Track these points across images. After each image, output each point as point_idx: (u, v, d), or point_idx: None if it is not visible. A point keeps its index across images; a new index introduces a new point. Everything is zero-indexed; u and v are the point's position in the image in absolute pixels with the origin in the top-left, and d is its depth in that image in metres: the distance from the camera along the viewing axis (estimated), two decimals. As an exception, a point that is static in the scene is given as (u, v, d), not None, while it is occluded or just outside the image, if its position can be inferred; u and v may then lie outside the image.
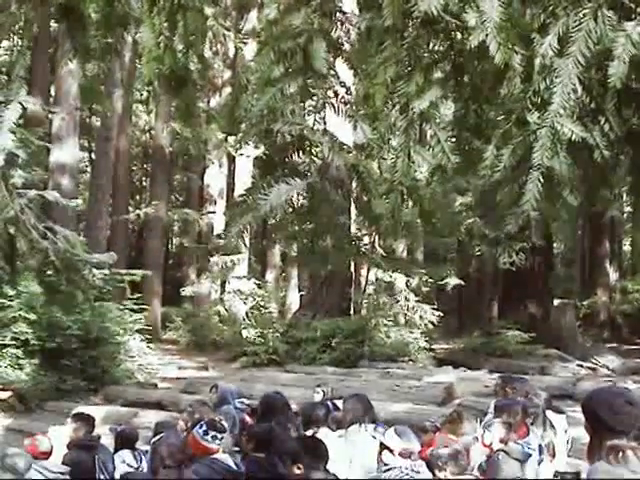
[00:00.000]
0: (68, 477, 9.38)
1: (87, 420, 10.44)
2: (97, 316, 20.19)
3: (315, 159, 7.15)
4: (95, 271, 13.01)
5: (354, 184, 7.51)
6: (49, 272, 11.82)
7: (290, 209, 7.32)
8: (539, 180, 4.72)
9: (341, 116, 7.24)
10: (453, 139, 5.75)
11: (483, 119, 5.65)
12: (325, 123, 7.25)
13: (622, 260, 45.86)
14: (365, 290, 30.31)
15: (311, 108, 7.16)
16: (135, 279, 22.29)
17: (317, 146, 7.24)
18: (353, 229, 10.71)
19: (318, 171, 7.09)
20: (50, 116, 28.53)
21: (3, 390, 17.89)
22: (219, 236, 25.72)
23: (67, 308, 18.68)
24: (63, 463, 9.62)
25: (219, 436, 8.59)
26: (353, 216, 9.88)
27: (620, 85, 4.66)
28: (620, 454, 4.49)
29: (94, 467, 9.69)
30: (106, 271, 16.42)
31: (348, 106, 7.10)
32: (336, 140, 7.21)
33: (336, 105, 7.11)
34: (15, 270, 17.99)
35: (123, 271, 20.17)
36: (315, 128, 7.14)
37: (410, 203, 6.02)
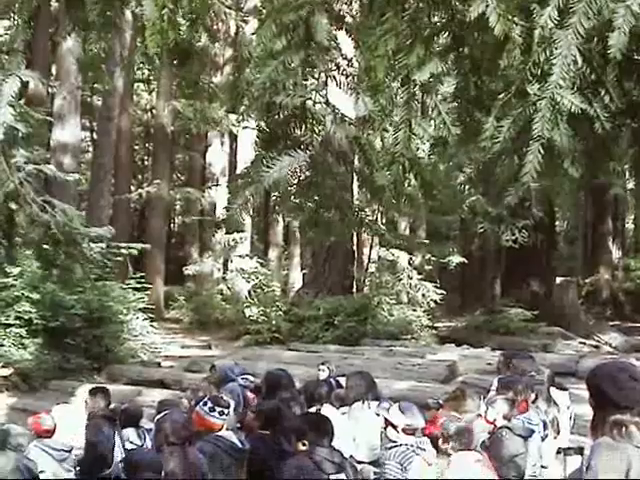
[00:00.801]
0: (72, 454, 9.41)
1: (105, 393, 10.50)
2: (100, 295, 20.18)
3: (317, 132, 7.13)
4: (93, 245, 13.00)
5: (356, 156, 7.49)
6: (47, 246, 11.84)
7: (293, 182, 7.30)
8: (539, 151, 4.68)
9: (343, 89, 7.21)
10: (454, 111, 5.71)
11: (483, 91, 5.62)
12: (327, 96, 7.22)
13: (625, 238, 45.78)
14: (368, 268, 30.30)
15: (313, 81, 7.12)
16: (134, 253, 22.24)
17: (319, 119, 7.21)
18: (356, 201, 10.68)
19: (320, 144, 7.07)
20: (51, 95, 28.51)
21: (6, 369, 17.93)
22: (224, 209, 25.68)
23: (66, 282, 18.67)
24: (85, 434, 9.65)
25: (224, 412, 8.60)
26: (356, 188, 9.85)
27: (620, 56, 4.61)
28: (624, 429, 4.47)
29: (113, 439, 9.72)
30: (104, 245, 16.42)
31: (350, 79, 7.07)
32: (338, 113, 7.19)
33: (338, 78, 7.08)
34: (13, 244, 17.97)
35: (122, 244, 20.13)
36: (317, 101, 7.11)
37: (411, 175, 6.00)
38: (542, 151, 4.68)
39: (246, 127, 30.36)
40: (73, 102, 26.45)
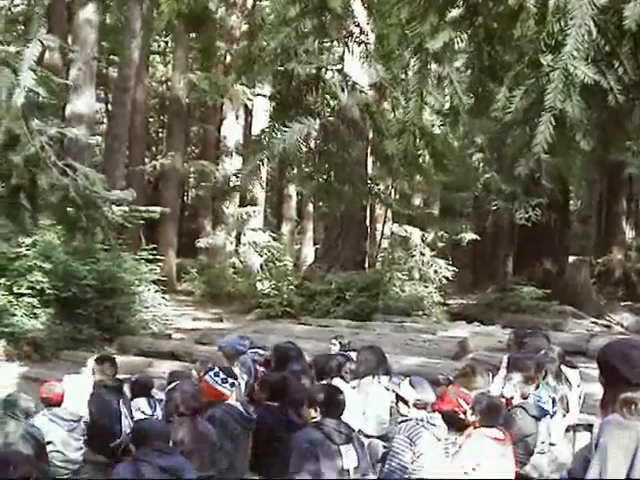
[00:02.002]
0: (81, 423, 9.44)
1: (112, 362, 10.51)
2: (112, 266, 20.20)
3: (329, 99, 7.10)
4: (115, 208, 13.00)
5: (367, 124, 7.45)
6: (69, 209, 11.81)
7: (304, 150, 7.28)
8: (551, 123, 4.63)
9: (355, 56, 7.16)
10: (466, 81, 5.66)
11: (496, 61, 5.56)
12: (339, 64, 7.19)
13: (639, 218, 45.56)
14: (380, 244, 30.28)
15: (326, 48, 7.09)
16: (154, 217, 22.19)
17: (331, 86, 7.18)
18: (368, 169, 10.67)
19: (332, 111, 7.04)
20: (67, 66, 28.46)
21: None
22: (235, 175, 25.62)
23: (79, 251, 18.71)
24: (90, 403, 9.68)
25: (232, 381, 8.62)
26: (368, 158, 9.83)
27: (636, 28, 4.56)
28: (634, 407, 4.44)
29: (119, 409, 9.75)
30: (126, 208, 16.41)
31: (363, 47, 7.02)
32: (350, 80, 7.16)
33: (351, 45, 7.03)
34: (37, 208, 17.91)
35: (142, 208, 20.08)
36: (329, 68, 7.07)
37: (422, 144, 5.97)
38: (554, 122, 4.63)
39: (258, 94, 30.33)
40: (89, 73, 26.38)
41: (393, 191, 23.98)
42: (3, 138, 8.91)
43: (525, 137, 5.07)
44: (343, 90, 6.77)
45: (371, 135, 7.61)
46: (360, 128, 7.41)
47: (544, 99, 4.69)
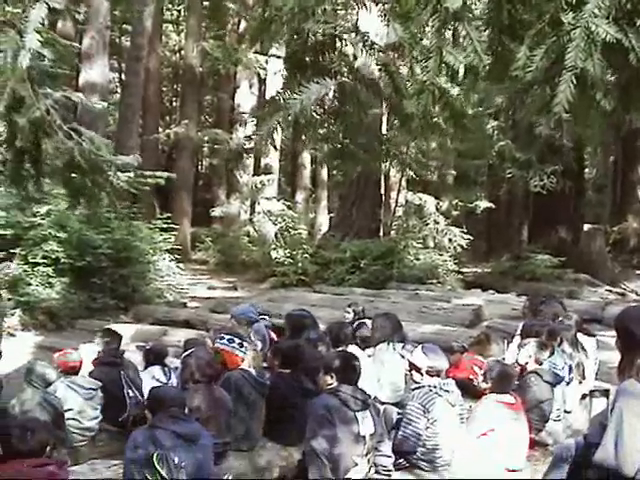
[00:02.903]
0: (99, 392, 9.48)
1: (113, 336, 10.51)
2: (127, 235, 20.20)
3: (346, 59, 7.06)
4: (120, 174, 12.96)
5: (385, 84, 7.40)
6: (73, 174, 11.78)
7: (321, 109, 7.24)
8: (572, 82, 4.57)
9: (373, 15, 7.09)
10: (485, 40, 5.59)
11: (516, 19, 5.48)
12: (357, 22, 7.15)
13: (655, 186, 45.35)
14: (395, 212, 30.19)
15: (343, 7, 7.06)
16: (161, 183, 22.15)
17: (348, 46, 7.14)
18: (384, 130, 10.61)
19: (349, 71, 6.99)
20: (79, 35, 28.39)
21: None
22: (249, 136, 25.49)
23: (93, 220, 18.69)
24: (91, 376, 9.72)
25: (242, 343, 8.64)
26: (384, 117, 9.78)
27: (659, -15, 4.49)
28: (650, 372, 4.43)
29: (120, 382, 9.77)
30: (131, 174, 16.33)
31: (380, 5, 6.95)
32: (368, 39, 7.10)
33: (368, 4, 6.97)
34: (40, 173, 17.80)
35: (148, 173, 20.03)
36: (346, 27, 7.01)
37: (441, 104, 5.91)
38: (574, 82, 4.57)
39: (273, 56, 30.18)
40: (101, 42, 26.27)
41: (410, 154, 23.89)
42: (8, 100, 8.87)
43: (545, 97, 5.02)
44: (361, 50, 6.71)
45: (389, 94, 7.55)
46: (378, 88, 7.35)
47: (565, 58, 4.63)
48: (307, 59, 7.26)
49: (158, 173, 21.85)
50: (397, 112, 7.62)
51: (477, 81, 5.76)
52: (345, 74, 6.90)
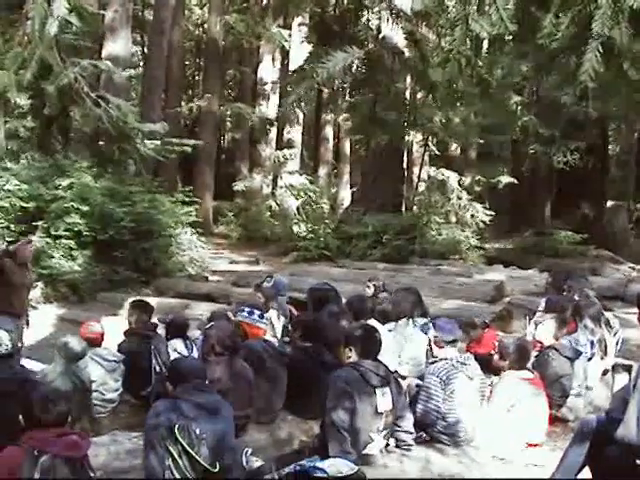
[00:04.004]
0: (122, 365, 9.51)
1: (145, 308, 10.52)
2: (149, 208, 20.20)
3: (373, 27, 7.05)
4: (147, 141, 12.94)
5: (411, 52, 7.39)
6: (101, 142, 11.81)
7: (348, 78, 7.25)
8: (598, 50, 4.52)
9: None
10: (511, 7, 5.53)
11: (543, -14, 5.43)
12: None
13: (678, 163, 45.01)
14: (417, 187, 30.14)
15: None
16: (187, 151, 22.10)
17: (375, 13, 7.13)
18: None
19: (376, 39, 6.98)
20: (102, 8, 28.32)
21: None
22: (278, 105, 25.38)
23: (114, 195, 18.73)
24: (119, 350, 9.74)
25: (262, 314, 8.66)
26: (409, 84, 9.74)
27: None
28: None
29: (149, 354, 9.78)
30: (158, 142, 16.27)
31: (406, -27, 6.94)
32: (394, 7, 7.08)
33: (394, -28, 6.95)
34: (68, 139, 17.88)
35: (175, 140, 19.99)
36: (374, -5, 7.01)
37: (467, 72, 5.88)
38: (601, 50, 4.53)
39: (301, 24, 30.10)
40: (124, 15, 26.17)
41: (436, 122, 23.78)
42: (36, 67, 8.89)
43: (571, 66, 4.98)
44: (387, 19, 6.71)
45: (415, 62, 7.55)
46: (404, 56, 7.35)
47: (591, 26, 4.58)
48: (334, 28, 7.26)
49: (185, 141, 21.80)
50: (423, 81, 7.61)
51: (503, 49, 5.73)
52: (371, 43, 6.89)
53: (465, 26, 5.22)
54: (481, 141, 32.74)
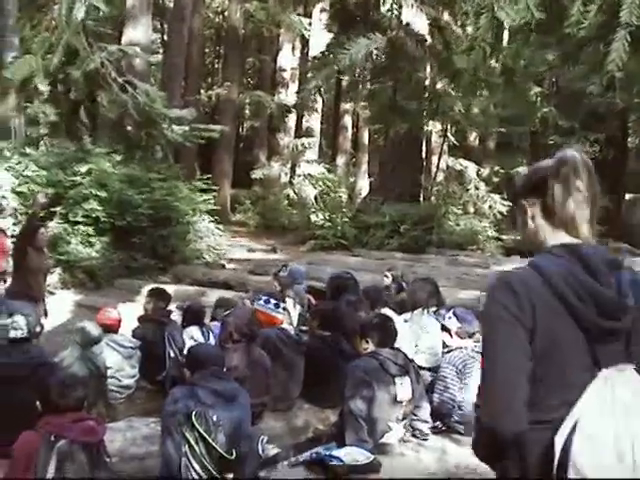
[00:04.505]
0: (138, 351, 9.53)
1: (162, 296, 10.57)
2: (167, 195, 20.21)
3: (396, 13, 7.02)
4: (175, 127, 12.94)
5: (435, 39, 7.37)
6: (128, 127, 11.80)
7: (370, 64, 7.23)
8: (626, 39, 4.49)
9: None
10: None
11: (570, -27, 5.40)
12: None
13: (698, 155, 44.79)
14: (436, 177, 30.05)
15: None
16: (213, 136, 22.08)
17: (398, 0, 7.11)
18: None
19: (398, 26, 6.96)
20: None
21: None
22: (297, 92, 25.30)
23: (133, 181, 18.76)
24: (133, 336, 9.77)
25: (279, 304, 8.66)
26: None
27: None
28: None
29: (163, 341, 9.81)
30: (186, 127, 16.27)
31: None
32: (417, -7, 7.08)
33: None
34: (96, 125, 17.83)
35: (201, 126, 19.99)
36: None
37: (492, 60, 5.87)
38: (629, 39, 4.50)
39: (323, 10, 30.06)
40: (145, 2, 26.23)
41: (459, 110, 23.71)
42: (63, 52, 8.92)
43: (598, 55, 4.96)
44: (411, 5, 6.68)
45: (438, 50, 7.53)
46: (427, 44, 7.33)
47: (619, 15, 4.55)
48: (357, 13, 7.26)
49: (211, 126, 21.80)
50: (446, 68, 7.59)
51: (529, 39, 5.71)
52: (394, 28, 6.87)
53: (491, 13, 5.19)
54: (503, 130, 32.66)
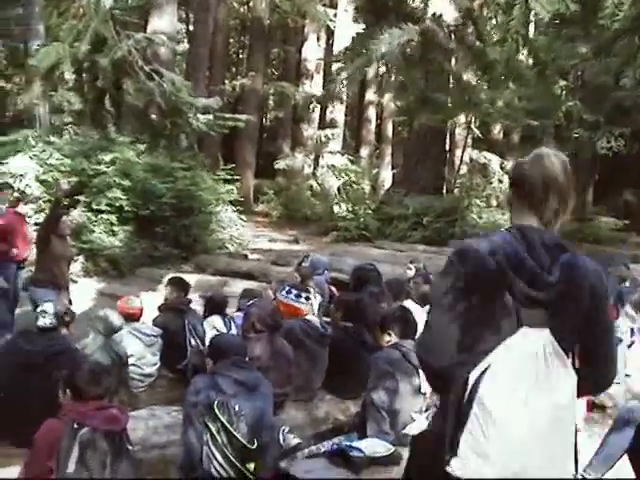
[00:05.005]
0: (159, 339, 9.55)
1: (182, 285, 10.58)
2: (190, 185, 20.25)
3: (429, 3, 6.98)
4: (200, 116, 12.93)
5: (468, 30, 7.32)
6: (154, 116, 11.79)
7: (401, 57, 7.21)
8: (661, 32, 4.47)
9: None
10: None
11: (605, -36, 5.37)
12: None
13: None
14: (459, 170, 29.97)
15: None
16: (239, 125, 22.06)
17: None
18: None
19: (432, 16, 6.92)
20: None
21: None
22: (324, 82, 25.18)
23: (156, 170, 18.79)
24: (154, 324, 9.80)
25: (303, 295, 8.65)
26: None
27: None
28: None
29: (184, 330, 9.83)
30: (211, 116, 16.28)
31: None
32: (451, -16, 7.04)
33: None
34: (121, 113, 17.82)
35: (227, 115, 19.96)
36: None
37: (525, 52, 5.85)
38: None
39: (351, 1, 30.02)
40: (170, -9, 26.25)
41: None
42: (91, 40, 8.92)
43: (633, 47, 4.93)
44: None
45: (471, 41, 7.48)
46: (461, 35, 7.29)
47: (655, 7, 4.53)
48: (389, 3, 7.23)
49: (237, 116, 21.79)
50: (479, 59, 7.54)
51: (562, 30, 5.68)
52: (428, 19, 6.83)
53: (524, 4, 5.17)
54: (530, 122, 32.56)
